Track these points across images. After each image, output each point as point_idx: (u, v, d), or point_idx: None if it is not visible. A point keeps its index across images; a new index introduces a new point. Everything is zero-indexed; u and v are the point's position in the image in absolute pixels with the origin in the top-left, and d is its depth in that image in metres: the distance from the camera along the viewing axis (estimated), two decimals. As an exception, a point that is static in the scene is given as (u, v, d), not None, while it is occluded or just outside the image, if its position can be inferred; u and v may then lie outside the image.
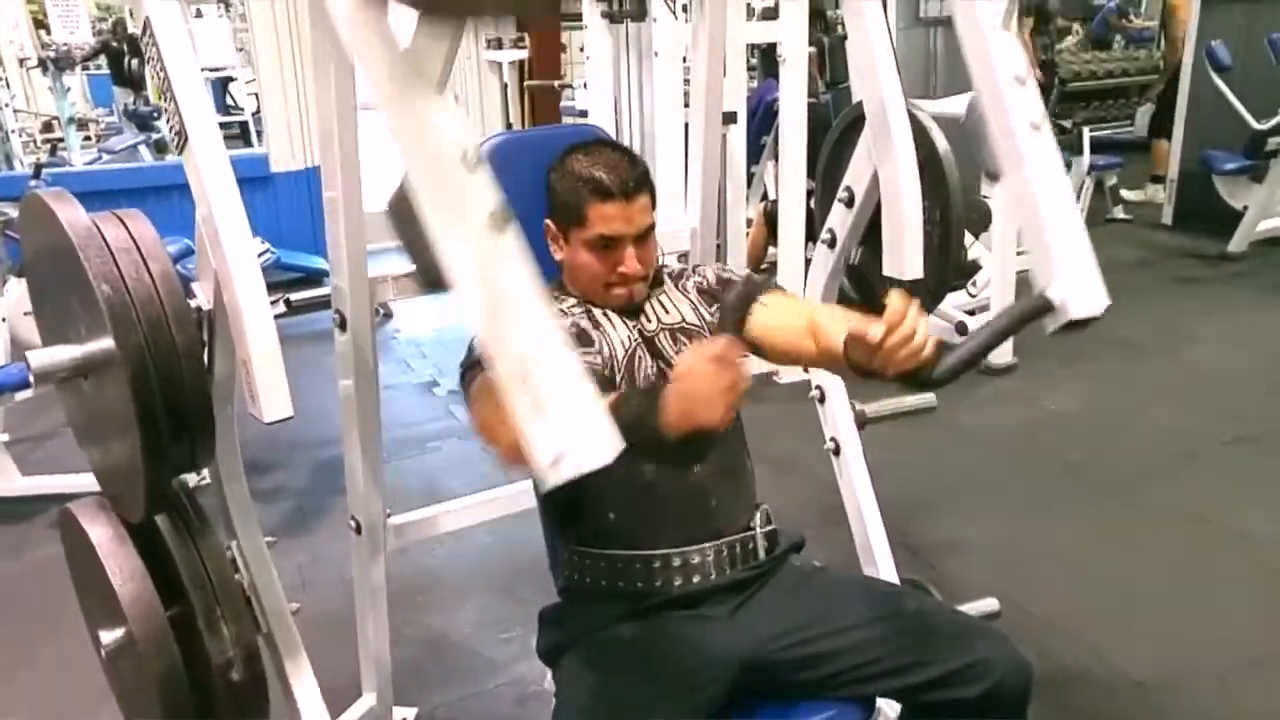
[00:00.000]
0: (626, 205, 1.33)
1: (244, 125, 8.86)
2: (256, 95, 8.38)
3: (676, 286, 1.48)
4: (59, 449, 3.32)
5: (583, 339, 1.35)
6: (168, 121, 1.16)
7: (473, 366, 1.28)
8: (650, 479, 1.32)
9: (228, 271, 1.14)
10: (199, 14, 8.37)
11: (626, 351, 1.36)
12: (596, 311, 1.40)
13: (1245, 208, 5.23)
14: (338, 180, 1.41)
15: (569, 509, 1.41)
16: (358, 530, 1.65)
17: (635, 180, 1.34)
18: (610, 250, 1.35)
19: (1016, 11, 1.40)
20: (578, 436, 0.79)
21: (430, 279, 0.86)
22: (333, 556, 2.51)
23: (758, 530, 1.39)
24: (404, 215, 0.87)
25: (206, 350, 1.22)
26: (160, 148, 6.99)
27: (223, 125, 7.29)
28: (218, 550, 1.25)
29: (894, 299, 1.06)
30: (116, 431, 1.13)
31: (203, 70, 6.86)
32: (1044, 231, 1.23)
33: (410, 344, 4.51)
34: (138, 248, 1.12)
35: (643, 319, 1.42)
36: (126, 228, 1.13)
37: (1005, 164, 1.29)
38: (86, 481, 1.42)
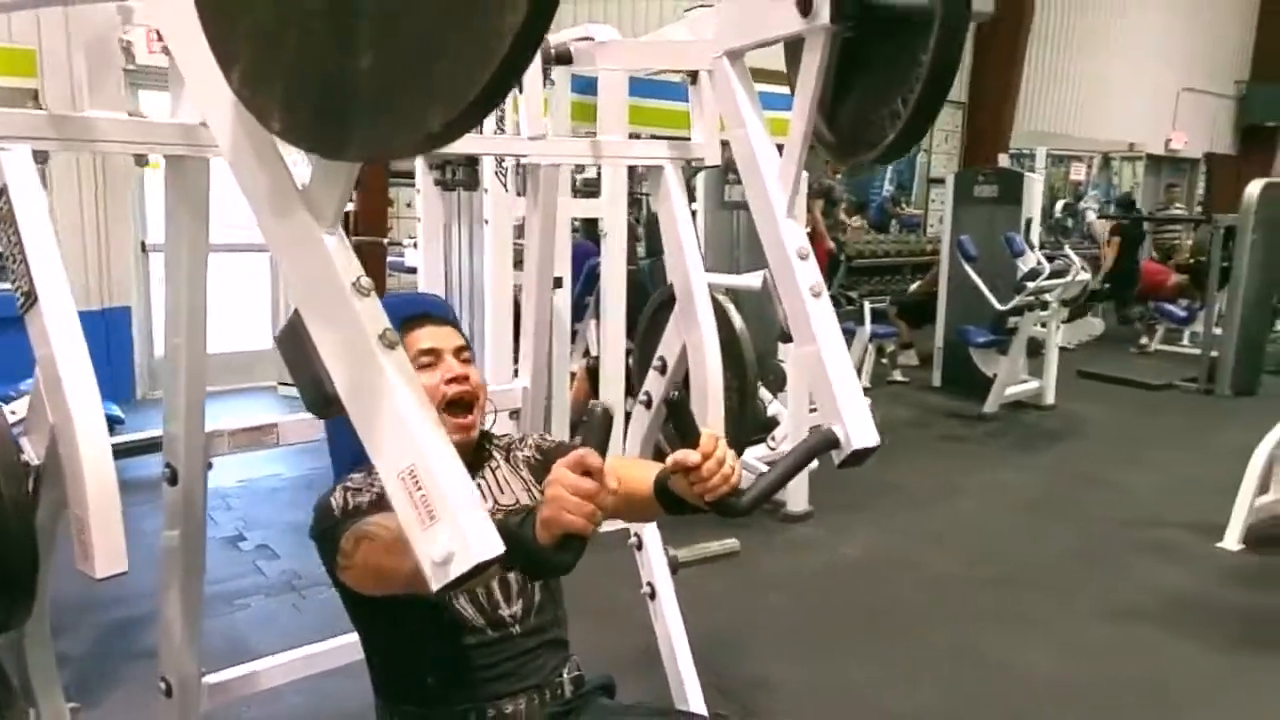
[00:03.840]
0: (438, 327, 1.48)
1: None
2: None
3: (508, 460, 1.58)
4: None
5: None
6: (14, 282, 1.19)
7: (340, 525, 1.30)
8: (473, 644, 1.41)
9: (71, 428, 1.15)
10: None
11: None
12: None
13: (995, 375, 6.03)
14: (182, 327, 1.45)
15: (391, 670, 1.46)
16: (168, 692, 1.59)
17: (441, 311, 1.52)
18: (434, 365, 1.44)
19: (807, 194, 1.70)
20: (465, 537, 0.84)
21: (319, 406, 0.91)
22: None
23: (566, 677, 1.49)
24: (294, 345, 0.92)
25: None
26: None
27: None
28: (19, 718, 1.20)
29: (706, 434, 1.21)
30: (-72, 591, 1.09)
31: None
32: (826, 378, 1.44)
33: (215, 495, 4.29)
34: (-28, 403, 1.12)
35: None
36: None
37: (792, 324, 1.51)
38: None
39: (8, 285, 1.22)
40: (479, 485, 1.50)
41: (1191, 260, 8.99)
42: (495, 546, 0.86)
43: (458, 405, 1.45)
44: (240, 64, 0.81)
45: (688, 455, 1.20)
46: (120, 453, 1.75)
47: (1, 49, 5.08)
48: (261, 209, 0.93)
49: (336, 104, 0.75)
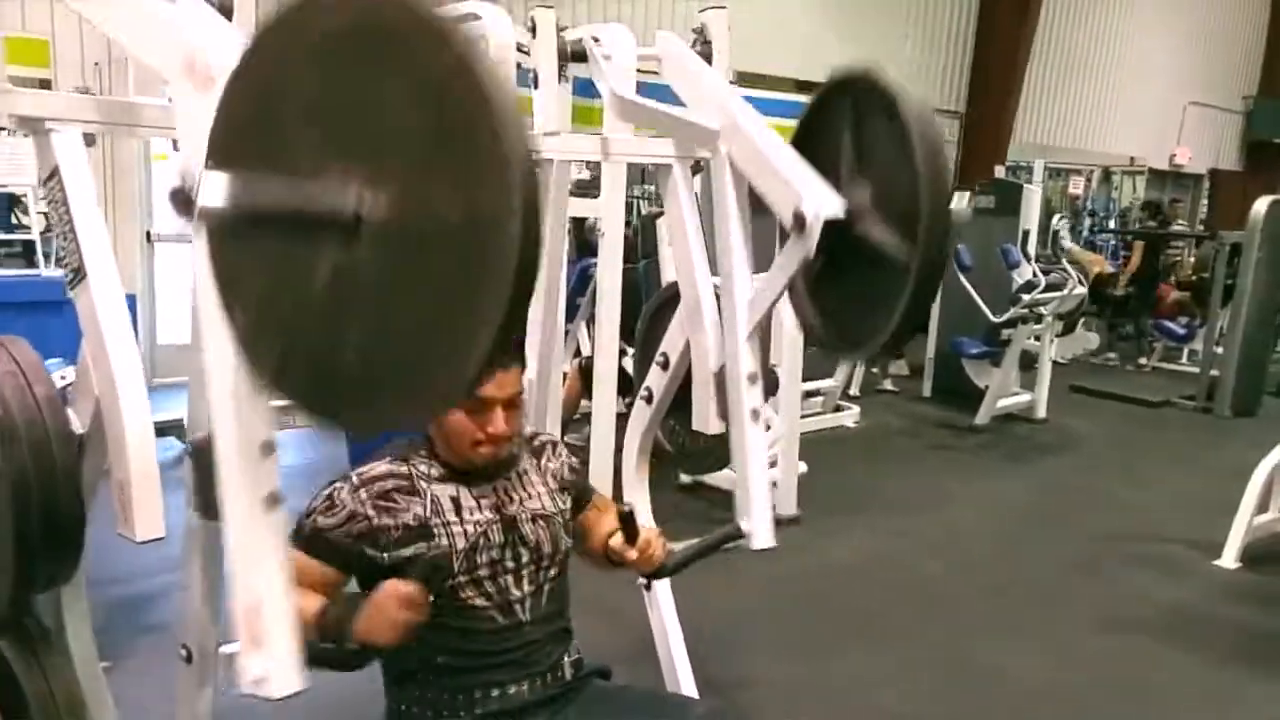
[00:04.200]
0: (503, 374, 1.49)
1: (28, 244, 8.35)
2: (45, 214, 7.97)
3: (538, 466, 1.67)
4: None
5: (425, 533, 1.48)
6: (65, 260, 1.26)
7: (297, 530, 1.45)
8: (487, 632, 1.50)
9: (115, 398, 1.22)
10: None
11: (470, 539, 1.50)
12: (463, 493, 1.53)
13: (987, 386, 6.10)
14: (214, 308, 1.52)
15: (402, 653, 1.52)
16: (188, 659, 1.65)
17: (514, 354, 1.55)
18: (481, 411, 1.49)
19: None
20: (277, 669, 1.05)
21: (205, 510, 1.15)
22: (134, 696, 2.38)
23: (566, 661, 1.59)
24: (203, 461, 1.14)
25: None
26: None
27: (5, 244, 6.84)
28: (63, 671, 1.27)
29: (645, 533, 1.61)
30: (-21, 548, 1.16)
31: (-11, 187, 6.48)
32: (747, 486, 1.75)
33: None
34: (22, 372, 1.19)
35: (505, 498, 1.57)
36: (10, 352, 1.21)
37: (732, 430, 1.76)
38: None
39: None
40: (506, 487, 1.58)
41: (1193, 277, 9.04)
42: (296, 685, 1.07)
43: (488, 444, 1.53)
44: (286, 379, 0.94)
45: (626, 551, 1.61)
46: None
47: (17, 39, 5.16)
48: (207, 357, 1.09)
49: (327, 387, 0.89)
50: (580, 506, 1.72)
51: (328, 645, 1.29)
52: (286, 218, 0.84)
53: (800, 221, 1.47)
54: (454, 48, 0.75)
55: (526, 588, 1.54)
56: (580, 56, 1.95)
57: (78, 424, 1.28)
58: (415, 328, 0.81)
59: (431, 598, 1.33)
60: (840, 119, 1.53)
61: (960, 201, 6.61)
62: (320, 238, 0.82)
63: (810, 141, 1.61)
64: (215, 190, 0.84)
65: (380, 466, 1.52)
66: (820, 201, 1.46)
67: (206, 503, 1.12)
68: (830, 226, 1.46)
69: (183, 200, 0.75)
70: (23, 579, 1.13)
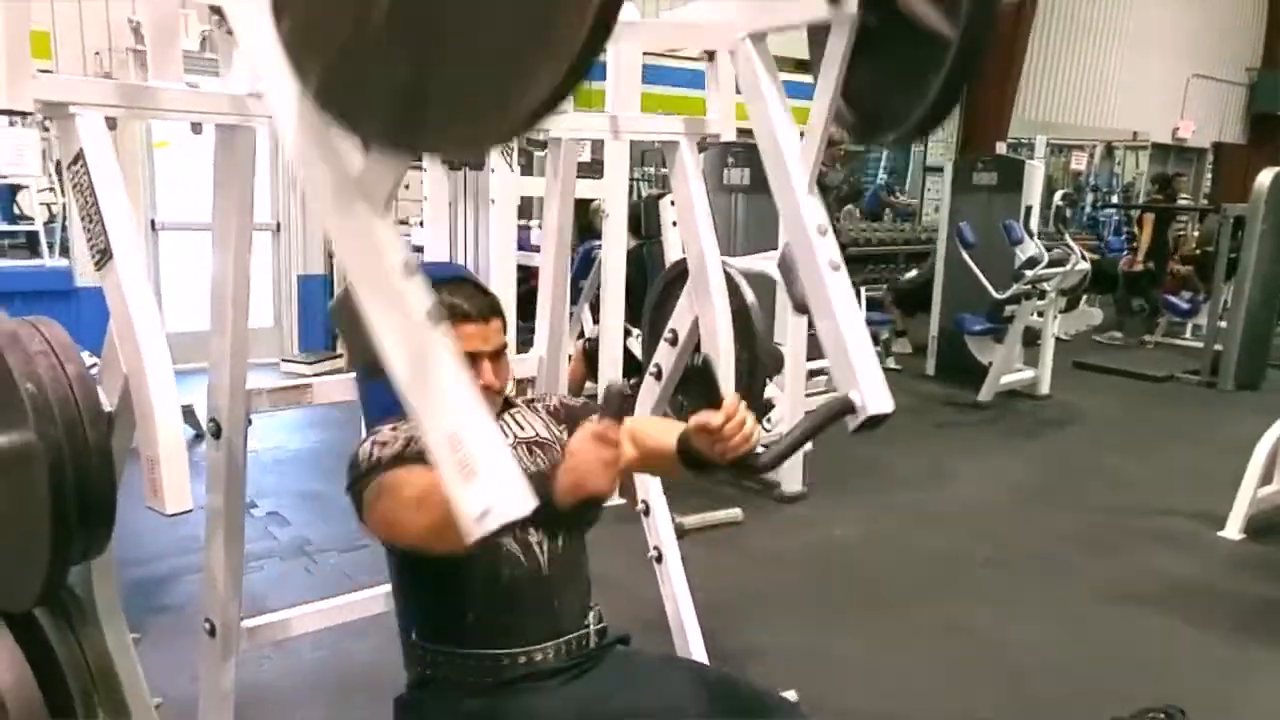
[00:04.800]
0: (484, 326, 1.54)
1: (31, 235, 8.36)
2: (49, 205, 7.97)
3: (529, 407, 1.71)
4: None
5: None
6: (91, 241, 1.29)
7: (364, 477, 1.41)
8: (507, 582, 1.52)
9: (143, 375, 1.26)
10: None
11: None
12: None
13: (990, 363, 6.13)
14: (228, 290, 1.56)
15: (429, 609, 1.57)
16: (211, 632, 1.70)
17: (489, 307, 1.57)
18: (470, 366, 1.53)
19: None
20: (501, 493, 0.94)
21: (369, 371, 1.01)
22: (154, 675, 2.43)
23: (591, 628, 1.61)
24: (346, 316, 1.02)
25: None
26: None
27: (8, 234, 6.87)
28: (97, 641, 1.31)
29: (730, 397, 1.33)
30: (15, 523, 1.20)
31: (-9, 176, 6.48)
32: (844, 349, 1.55)
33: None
34: (54, 351, 1.22)
35: (501, 432, 1.62)
36: (42, 333, 1.24)
37: (811, 298, 1.61)
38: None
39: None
40: (501, 426, 1.60)
41: (1197, 251, 9.03)
42: (528, 503, 0.96)
43: None
44: (318, 80, 0.90)
45: (711, 417, 1.33)
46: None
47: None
48: (318, 193, 1.02)
49: (411, 112, 0.83)
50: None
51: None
52: None
53: None
54: None
55: (540, 533, 1.53)
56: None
57: (106, 402, 1.31)
58: (483, 44, 0.75)
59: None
60: None
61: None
62: None
63: None
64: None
65: (391, 422, 1.53)
66: None
67: (365, 359, 1.00)
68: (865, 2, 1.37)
69: None
70: (60, 551, 1.16)
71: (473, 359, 1.51)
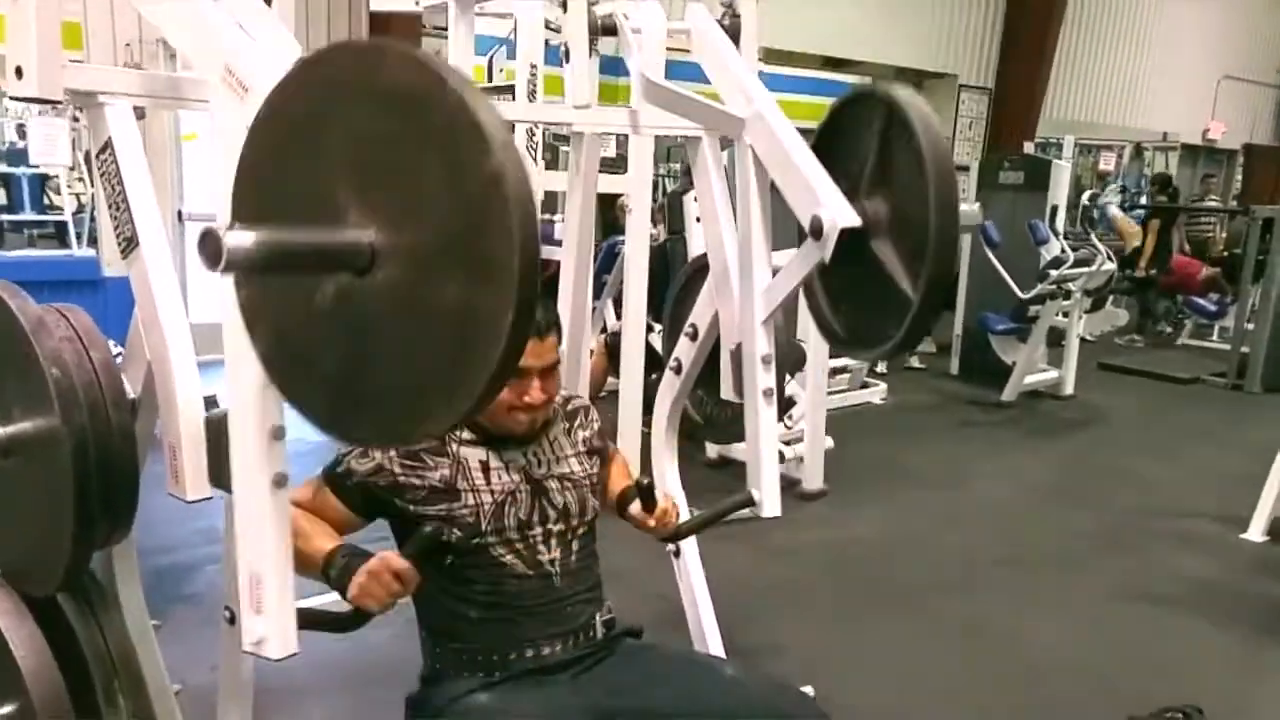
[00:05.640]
0: (540, 343, 1.51)
1: (60, 225, 8.46)
2: (78, 195, 8.07)
3: (569, 432, 1.70)
4: None
5: (450, 495, 1.52)
6: (118, 229, 1.30)
7: (324, 469, 1.55)
8: (516, 588, 1.53)
9: (166, 363, 1.27)
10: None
11: (497, 499, 1.54)
12: (492, 457, 1.56)
13: (1014, 363, 6.08)
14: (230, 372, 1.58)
15: (437, 607, 1.58)
16: (231, 620, 1.70)
17: (549, 323, 1.56)
18: (519, 380, 1.51)
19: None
20: (276, 633, 1.17)
21: (219, 484, 1.24)
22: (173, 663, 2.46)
23: (598, 620, 1.62)
24: (219, 435, 1.21)
25: (130, 434, 1.32)
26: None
27: (38, 224, 6.96)
28: (118, 626, 1.32)
29: (662, 502, 1.71)
30: (39, 508, 1.21)
31: (22, 168, 6.56)
32: (759, 458, 1.83)
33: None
34: (80, 338, 1.24)
35: (534, 460, 1.60)
36: (68, 320, 1.25)
37: (746, 407, 1.83)
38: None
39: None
40: (536, 451, 1.62)
41: (1225, 253, 8.90)
42: (292, 647, 1.19)
43: (524, 412, 1.56)
44: (273, 360, 1.00)
45: (645, 519, 1.71)
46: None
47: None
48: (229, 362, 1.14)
49: (351, 404, 0.95)
50: (603, 464, 1.77)
51: (321, 611, 1.40)
52: (308, 256, 0.89)
53: (818, 229, 1.53)
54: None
55: (555, 549, 1.57)
56: (611, 30, 1.96)
57: (130, 389, 1.33)
58: (406, 366, 0.88)
59: (450, 561, 1.42)
60: (866, 129, 1.59)
61: (971, 206, 6.57)
62: (335, 273, 0.89)
63: (832, 144, 1.67)
64: (242, 240, 0.86)
65: None
66: (838, 213, 1.53)
67: (217, 475, 1.23)
68: (846, 235, 1.53)
69: (212, 249, 0.79)
70: (82, 536, 1.18)
71: (523, 374, 1.51)
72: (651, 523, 1.71)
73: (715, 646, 2.16)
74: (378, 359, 0.89)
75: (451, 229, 0.81)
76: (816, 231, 1.53)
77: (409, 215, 0.83)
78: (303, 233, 0.87)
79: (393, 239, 0.84)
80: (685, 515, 2.31)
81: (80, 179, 7.74)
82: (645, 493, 1.68)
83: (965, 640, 2.99)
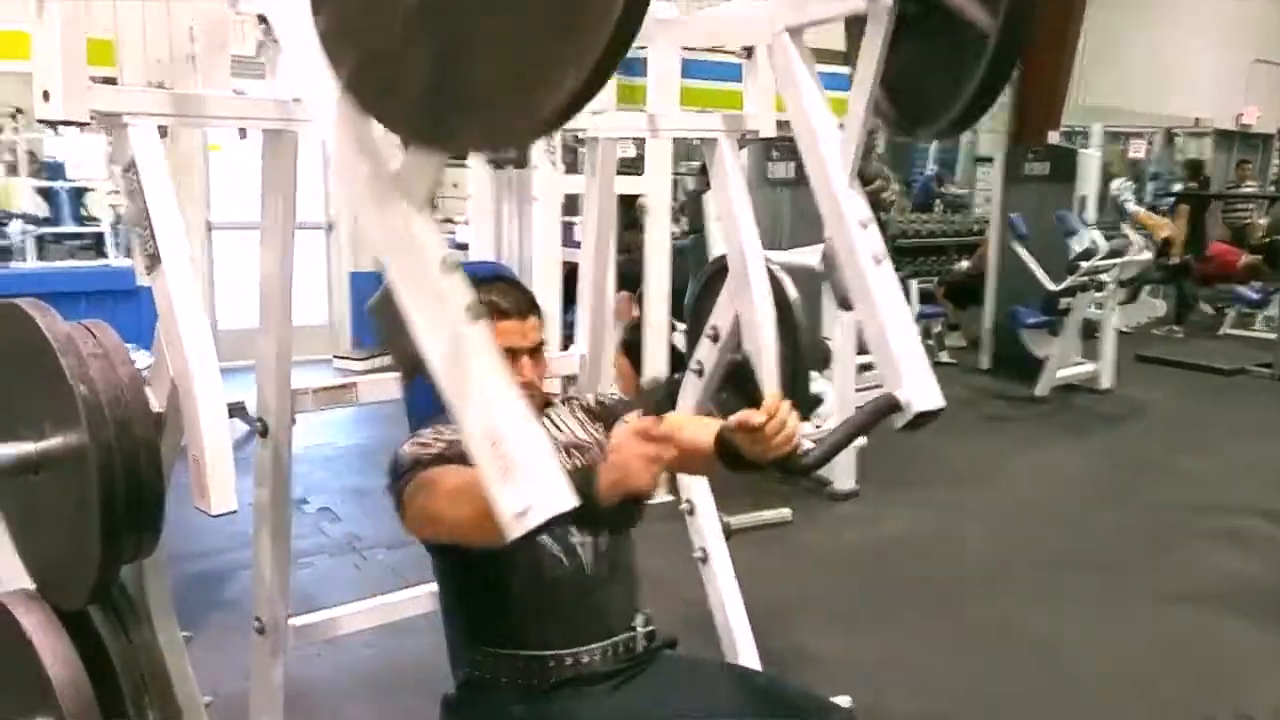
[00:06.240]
0: (521, 323, 1.54)
1: (98, 237, 8.59)
2: (115, 207, 8.20)
3: (565, 406, 1.71)
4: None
5: None
6: (143, 246, 1.32)
7: (404, 474, 1.42)
8: (550, 582, 1.51)
9: (189, 375, 1.28)
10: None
11: None
12: None
13: (1046, 357, 5.98)
14: (275, 289, 1.58)
15: (474, 610, 1.57)
16: (261, 631, 1.72)
17: (527, 304, 1.58)
18: (509, 362, 1.53)
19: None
20: (542, 490, 0.93)
21: (409, 368, 1.01)
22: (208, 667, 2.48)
23: (639, 631, 1.59)
24: (386, 314, 1.03)
25: (155, 449, 1.33)
26: (4, 254, 6.71)
27: (76, 236, 7.05)
28: (148, 640, 1.33)
29: (771, 395, 1.31)
30: (69, 523, 1.23)
31: (59, 181, 6.70)
32: (888, 345, 1.51)
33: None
34: (106, 353, 1.25)
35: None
36: (95, 335, 1.27)
37: (854, 292, 1.58)
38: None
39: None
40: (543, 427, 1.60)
41: (1266, 240, 8.69)
42: (569, 500, 0.95)
43: None
44: (360, 81, 0.91)
45: (751, 415, 1.30)
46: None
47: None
48: (357, 191, 1.02)
49: (441, 108, 0.84)
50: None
51: None
52: None
53: None
54: None
55: (583, 530, 1.52)
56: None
57: (156, 403, 1.34)
58: (512, 47, 0.76)
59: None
60: None
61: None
62: None
63: None
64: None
65: (429, 429, 1.53)
66: None
67: (404, 357, 1.06)
68: None
69: None
70: (110, 550, 1.19)
71: (511, 355, 1.51)
72: (771, 429, 1.29)
73: (748, 654, 2.14)
74: (475, 46, 0.78)
75: None
76: None
77: None
78: None
79: None
80: (714, 523, 2.29)
81: (116, 190, 7.87)
82: (741, 372, 1.40)
83: (1002, 645, 2.94)
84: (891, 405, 1.50)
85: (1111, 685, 2.71)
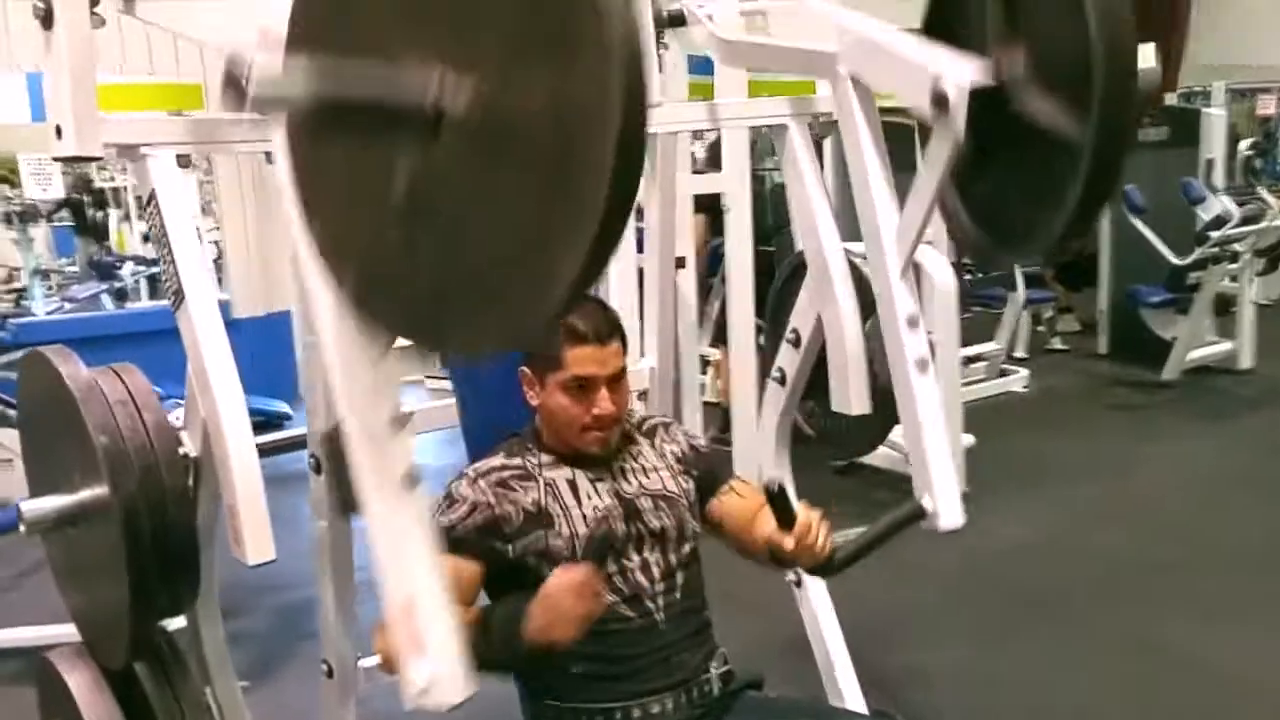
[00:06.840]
0: (600, 349, 1.42)
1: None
2: (216, 243, 8.55)
3: (653, 447, 1.57)
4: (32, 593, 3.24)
5: (544, 520, 1.41)
6: (166, 282, 1.26)
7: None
8: (617, 635, 1.40)
9: (218, 420, 1.21)
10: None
11: (591, 526, 1.42)
12: (579, 476, 1.46)
13: (1173, 338, 5.54)
14: (323, 322, 1.51)
15: (536, 663, 1.46)
16: (329, 673, 1.66)
17: (608, 327, 1.45)
18: (585, 392, 1.42)
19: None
20: (442, 677, 0.95)
21: (345, 509, 1.13)
22: (299, 704, 2.45)
23: (714, 673, 1.47)
24: (331, 450, 1.11)
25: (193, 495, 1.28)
26: (120, 295, 7.06)
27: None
28: (196, 696, 1.27)
29: (804, 515, 1.36)
30: (103, 577, 1.17)
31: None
32: (924, 452, 1.50)
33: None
34: (133, 400, 1.20)
35: (622, 481, 1.49)
36: (123, 381, 1.21)
37: (897, 390, 1.54)
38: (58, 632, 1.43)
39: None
40: (622, 468, 1.50)
41: None
42: (464, 691, 0.97)
43: (596, 428, 1.46)
44: (347, 284, 0.91)
45: (784, 541, 1.36)
46: (284, 447, 1.86)
47: (172, 85, 5.48)
48: (320, 327, 1.04)
49: (440, 310, 0.83)
50: (711, 489, 1.59)
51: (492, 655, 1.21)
52: (364, 108, 0.78)
53: (942, 100, 1.23)
54: None
55: (656, 577, 1.44)
56: (678, 20, 1.83)
57: (192, 448, 1.28)
58: (500, 242, 0.73)
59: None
60: None
61: (1147, 57, 6.00)
62: (398, 135, 0.76)
63: (943, 19, 1.41)
64: (291, 76, 0.78)
65: (495, 459, 1.48)
66: (961, 71, 1.23)
67: (345, 499, 1.12)
68: (979, 104, 1.22)
69: (236, 87, 0.70)
70: (141, 606, 1.14)
71: (588, 385, 1.41)
72: (791, 544, 1.35)
73: (848, 684, 1.97)
74: (460, 230, 0.77)
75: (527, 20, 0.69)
76: (942, 104, 1.23)
77: (476, 32, 0.72)
78: (359, 69, 0.77)
79: (460, 62, 0.72)
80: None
81: (216, 227, 8.20)
82: (777, 501, 1.35)
83: (1137, 661, 2.66)
84: (918, 513, 1.52)
85: (1271, 708, 2.41)
